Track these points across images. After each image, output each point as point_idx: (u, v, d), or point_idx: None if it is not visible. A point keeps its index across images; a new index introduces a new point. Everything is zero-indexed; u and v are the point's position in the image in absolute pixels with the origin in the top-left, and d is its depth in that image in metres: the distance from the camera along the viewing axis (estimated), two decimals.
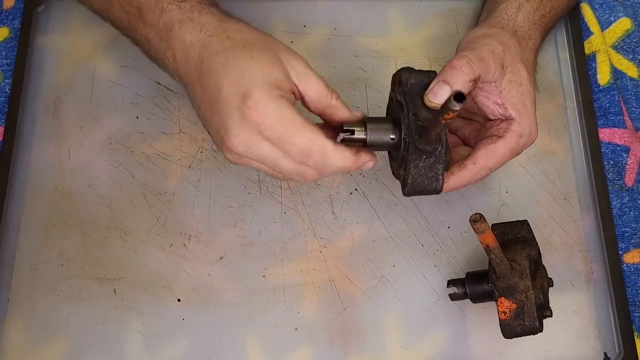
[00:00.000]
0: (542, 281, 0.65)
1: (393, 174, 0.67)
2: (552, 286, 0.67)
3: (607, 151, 0.77)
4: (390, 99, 0.65)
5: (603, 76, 0.80)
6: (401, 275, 0.72)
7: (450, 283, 0.69)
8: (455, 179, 0.65)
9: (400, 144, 0.61)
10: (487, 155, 0.64)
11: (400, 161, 0.63)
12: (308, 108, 0.62)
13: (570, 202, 0.76)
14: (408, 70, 0.62)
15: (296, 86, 0.60)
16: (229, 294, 0.71)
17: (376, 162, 0.62)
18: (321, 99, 0.60)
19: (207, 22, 0.62)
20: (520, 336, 0.64)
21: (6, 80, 0.78)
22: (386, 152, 0.69)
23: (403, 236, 0.74)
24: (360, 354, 0.70)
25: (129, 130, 0.77)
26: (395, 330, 0.71)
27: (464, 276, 0.69)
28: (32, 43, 0.80)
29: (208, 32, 0.61)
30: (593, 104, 0.79)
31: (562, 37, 0.84)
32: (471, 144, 0.70)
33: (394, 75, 0.64)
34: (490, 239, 0.60)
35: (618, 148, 0.77)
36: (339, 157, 0.58)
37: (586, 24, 0.82)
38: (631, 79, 0.81)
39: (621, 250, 0.74)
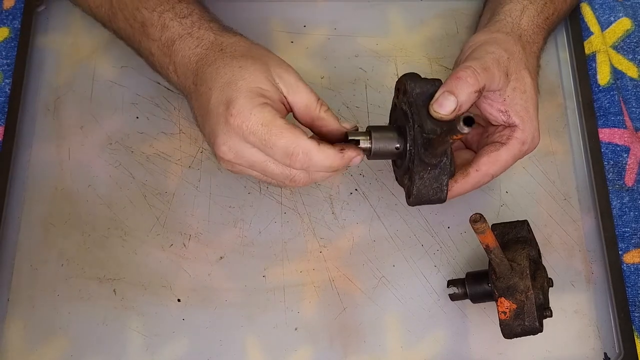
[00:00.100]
0: (542, 281, 0.65)
1: (396, 180, 0.67)
2: (552, 286, 0.67)
3: (607, 151, 0.77)
4: (394, 105, 0.65)
5: (603, 76, 0.80)
6: (401, 276, 0.72)
7: (450, 283, 0.69)
8: (458, 186, 0.65)
9: (405, 153, 0.61)
10: (489, 163, 0.64)
11: (404, 171, 0.63)
12: (298, 120, 0.63)
13: (570, 202, 0.76)
14: (412, 78, 0.62)
15: (285, 97, 0.61)
16: (229, 294, 0.71)
17: (363, 157, 0.62)
18: (309, 111, 0.61)
19: (205, 37, 0.65)
20: (520, 336, 0.64)
21: (6, 80, 0.78)
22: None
23: (403, 236, 0.74)
24: (360, 354, 0.70)
25: (129, 130, 0.77)
26: (395, 330, 0.71)
27: (464, 276, 0.69)
28: (32, 43, 0.80)
29: (204, 46, 0.64)
30: (593, 104, 0.79)
31: (562, 37, 0.84)
32: (473, 148, 0.70)
33: (398, 82, 0.63)
34: (490, 239, 0.60)
35: (618, 148, 0.77)
36: (322, 155, 0.58)
37: (586, 24, 0.82)
38: (631, 79, 0.81)
39: (621, 250, 0.74)
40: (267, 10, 0.83)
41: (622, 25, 0.82)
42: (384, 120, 0.69)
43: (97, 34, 0.80)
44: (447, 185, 0.61)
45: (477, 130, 0.70)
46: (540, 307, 0.63)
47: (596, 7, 0.83)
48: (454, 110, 0.60)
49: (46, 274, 0.71)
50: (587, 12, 0.83)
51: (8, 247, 0.72)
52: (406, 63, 0.81)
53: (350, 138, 0.61)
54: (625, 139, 0.77)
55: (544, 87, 0.80)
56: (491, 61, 0.63)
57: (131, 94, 0.78)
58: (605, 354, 0.70)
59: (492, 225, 0.67)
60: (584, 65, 0.81)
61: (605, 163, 0.77)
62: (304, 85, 0.62)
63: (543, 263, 0.67)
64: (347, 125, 0.62)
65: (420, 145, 0.59)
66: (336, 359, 0.69)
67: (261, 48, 0.65)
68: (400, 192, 0.69)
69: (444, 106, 0.60)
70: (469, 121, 0.50)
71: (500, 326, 0.64)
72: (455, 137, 0.54)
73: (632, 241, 0.74)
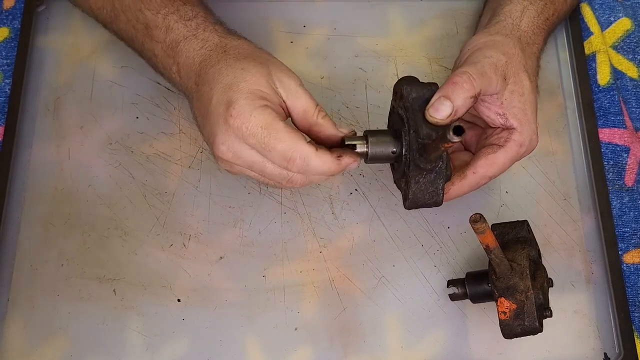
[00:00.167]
0: (542, 281, 0.65)
1: (395, 182, 0.67)
2: (552, 286, 0.67)
3: (607, 151, 0.77)
4: (392, 108, 0.65)
5: (603, 76, 0.80)
6: (401, 276, 0.72)
7: (450, 283, 0.69)
8: (455, 189, 0.65)
9: (401, 157, 0.62)
10: (487, 165, 0.64)
11: (401, 174, 0.63)
12: (295, 125, 0.63)
13: (570, 202, 0.76)
14: (409, 82, 0.62)
15: (284, 102, 0.62)
16: (229, 294, 0.71)
17: (360, 162, 0.62)
18: (307, 117, 0.62)
19: (209, 39, 0.65)
20: (520, 336, 0.64)
21: (6, 80, 0.78)
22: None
23: (403, 236, 0.74)
24: (360, 354, 0.70)
25: (129, 130, 0.77)
26: (395, 330, 0.71)
27: (464, 276, 0.69)
28: (32, 43, 0.80)
29: (208, 48, 0.64)
30: (593, 104, 0.79)
31: (562, 37, 0.84)
32: (472, 150, 0.70)
33: (395, 86, 0.63)
34: (490, 239, 0.60)
35: (618, 148, 0.77)
36: (319, 161, 0.59)
37: (586, 24, 0.82)
38: (631, 79, 0.81)
39: (621, 250, 0.74)
40: (267, 10, 0.83)
41: (622, 25, 0.82)
42: (384, 121, 0.69)
43: (97, 34, 0.80)
44: (442, 189, 0.62)
45: (475, 132, 0.70)
46: (540, 307, 0.63)
47: (596, 7, 0.83)
48: (450, 115, 0.60)
49: (46, 274, 0.71)
50: (587, 12, 0.83)
51: (8, 247, 0.72)
52: (406, 63, 0.81)
53: (347, 143, 0.62)
54: (625, 139, 0.77)
55: (544, 87, 0.80)
56: (488, 66, 0.63)
57: (131, 94, 0.78)
58: (605, 354, 0.70)
59: (492, 226, 0.67)
60: (583, 65, 0.81)
61: (605, 163, 0.77)
62: (303, 91, 0.62)
63: (543, 263, 0.67)
64: (344, 130, 0.62)
65: (415, 150, 0.60)
66: (336, 359, 0.69)
67: (264, 52, 0.65)
68: (400, 193, 0.69)
69: (440, 111, 0.60)
70: (458, 130, 0.51)
71: (500, 326, 0.64)
72: (446, 145, 0.54)
73: (632, 241, 0.74)
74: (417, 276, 0.72)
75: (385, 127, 0.68)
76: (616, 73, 0.80)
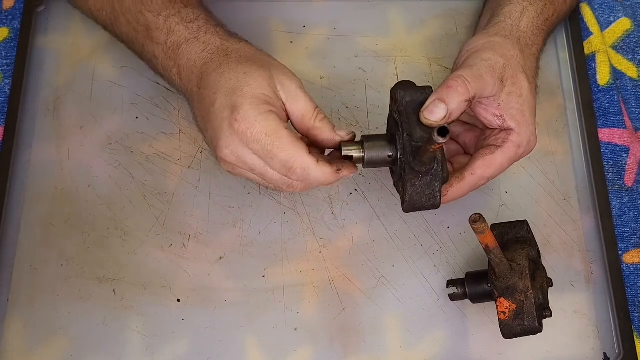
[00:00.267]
0: (541, 281, 0.65)
1: (394, 185, 0.67)
2: (551, 286, 0.67)
3: (606, 151, 0.77)
4: (390, 113, 0.65)
5: (603, 76, 0.80)
6: (401, 276, 0.72)
7: (450, 283, 0.69)
8: (454, 190, 0.65)
9: (397, 161, 0.62)
10: (485, 166, 0.64)
11: (398, 177, 0.64)
12: (294, 127, 0.64)
13: (570, 202, 0.76)
14: (403, 87, 0.62)
15: (284, 105, 0.62)
16: (228, 294, 0.71)
17: (357, 170, 0.64)
18: (305, 121, 0.62)
19: (211, 42, 0.65)
20: (519, 336, 0.64)
21: (6, 80, 0.78)
22: None
23: (403, 236, 0.74)
24: (360, 354, 0.70)
25: (128, 130, 0.77)
26: (395, 330, 0.71)
27: (463, 276, 0.69)
28: (32, 43, 0.80)
29: (210, 51, 0.65)
30: (593, 104, 0.79)
31: (561, 37, 0.84)
32: (471, 153, 0.70)
33: (391, 91, 0.64)
34: (490, 239, 0.60)
35: (618, 148, 0.77)
36: (319, 173, 0.60)
37: (586, 24, 0.82)
38: (631, 79, 0.81)
39: (621, 250, 0.74)
40: (267, 10, 0.83)
41: (622, 25, 0.82)
42: (383, 121, 0.69)
43: (97, 35, 0.80)
44: (439, 191, 0.62)
45: (474, 134, 0.70)
46: (539, 307, 0.63)
47: (596, 7, 0.83)
48: (444, 117, 0.60)
49: (46, 274, 0.71)
50: (586, 12, 0.83)
51: (8, 247, 0.72)
52: (406, 63, 0.81)
53: (343, 149, 0.62)
54: (625, 139, 0.77)
55: (544, 87, 0.80)
56: (484, 69, 0.63)
57: (131, 94, 0.78)
58: (604, 354, 0.71)
59: (491, 226, 0.67)
60: (583, 65, 0.81)
61: (605, 163, 0.77)
62: (303, 94, 0.62)
63: (543, 263, 0.68)
64: (341, 134, 0.63)
65: (409, 153, 0.60)
66: (336, 359, 0.69)
67: (265, 55, 0.66)
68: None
69: (434, 113, 0.60)
70: (442, 132, 0.52)
71: (499, 326, 0.64)
72: (433, 146, 0.55)
73: (632, 241, 0.74)
74: (417, 276, 0.72)
75: (385, 128, 0.68)
76: (616, 73, 0.80)
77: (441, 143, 0.53)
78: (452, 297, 0.69)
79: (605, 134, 0.78)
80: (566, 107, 0.80)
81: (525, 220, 0.68)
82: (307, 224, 0.74)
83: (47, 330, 0.69)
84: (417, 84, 0.63)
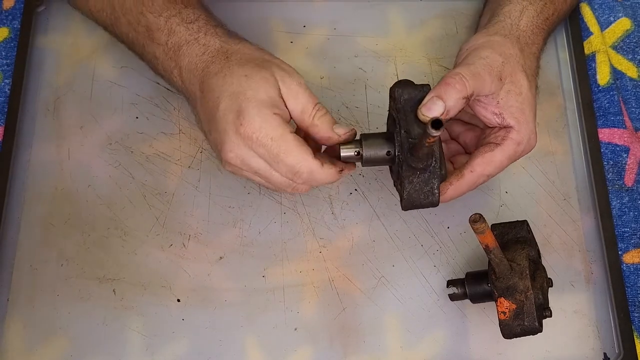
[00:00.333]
0: (541, 281, 0.65)
1: (394, 185, 0.67)
2: (551, 286, 0.67)
3: (606, 151, 0.77)
4: (389, 112, 0.66)
5: (603, 76, 0.80)
6: (401, 276, 0.72)
7: (450, 283, 0.69)
8: (453, 188, 0.65)
9: (395, 159, 0.62)
10: (484, 163, 0.64)
11: (397, 175, 0.64)
12: (296, 124, 0.64)
13: (570, 202, 0.76)
14: (401, 85, 0.63)
15: (284, 102, 0.62)
16: (228, 294, 0.71)
17: (355, 168, 0.65)
18: (304, 117, 0.63)
19: (210, 44, 0.66)
20: (519, 336, 0.64)
21: (6, 80, 0.78)
22: None
23: (403, 236, 0.74)
24: (360, 354, 0.70)
25: (128, 130, 0.77)
26: (395, 330, 0.71)
27: (463, 276, 0.69)
28: (32, 43, 0.80)
29: (210, 54, 0.65)
30: (593, 104, 0.79)
31: (561, 37, 0.84)
32: (472, 152, 0.70)
33: (390, 90, 0.64)
34: (490, 239, 0.60)
35: (618, 148, 0.77)
36: (324, 174, 0.62)
37: (586, 24, 0.82)
38: (631, 79, 0.81)
39: (621, 250, 0.74)
40: (267, 11, 0.83)
41: (622, 25, 0.82)
42: (383, 121, 0.69)
43: (97, 35, 0.80)
44: (438, 188, 0.62)
45: (474, 134, 0.70)
46: (539, 307, 0.63)
47: (596, 7, 0.83)
48: (442, 114, 0.60)
49: (46, 274, 0.71)
50: (586, 12, 0.83)
51: (8, 247, 0.72)
52: (406, 63, 0.81)
53: (341, 148, 0.63)
54: (625, 139, 0.77)
55: (544, 87, 0.80)
56: (482, 67, 0.63)
57: (131, 94, 0.78)
58: (604, 354, 0.71)
59: (491, 226, 0.67)
60: (583, 65, 0.81)
61: (605, 163, 0.77)
62: (303, 90, 0.62)
63: (543, 263, 0.68)
64: (340, 132, 0.63)
65: (407, 150, 0.61)
66: (336, 359, 0.69)
67: (265, 53, 0.66)
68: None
69: (432, 110, 0.60)
70: (436, 124, 0.52)
71: (499, 326, 0.64)
72: (428, 140, 0.55)
73: (632, 241, 0.74)
74: (417, 276, 0.72)
75: (385, 128, 0.68)
76: (616, 73, 0.80)
77: (435, 136, 0.53)
78: (452, 297, 0.69)
79: (605, 134, 0.78)
80: (566, 107, 0.80)
81: (525, 220, 0.68)
82: (307, 224, 0.74)
83: (47, 330, 0.69)
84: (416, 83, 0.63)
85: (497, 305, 0.63)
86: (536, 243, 0.68)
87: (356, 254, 0.73)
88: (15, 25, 0.80)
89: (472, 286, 0.67)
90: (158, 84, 0.78)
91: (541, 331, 0.63)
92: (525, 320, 0.63)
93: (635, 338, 0.71)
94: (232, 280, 0.72)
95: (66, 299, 0.70)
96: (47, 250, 0.72)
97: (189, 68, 0.66)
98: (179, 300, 0.71)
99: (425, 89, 0.62)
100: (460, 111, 0.63)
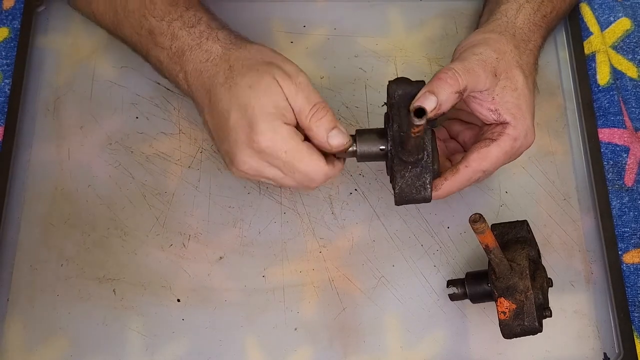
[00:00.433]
0: (541, 281, 0.65)
1: (390, 182, 0.68)
2: (551, 286, 0.67)
3: (606, 151, 0.77)
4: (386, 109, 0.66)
5: (603, 76, 0.80)
6: (401, 276, 0.72)
7: (450, 283, 0.69)
8: (449, 183, 0.65)
9: (389, 154, 0.63)
10: (479, 159, 0.64)
11: (390, 171, 0.64)
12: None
13: (570, 202, 0.76)
14: (397, 82, 0.63)
15: (290, 105, 0.63)
16: (228, 294, 0.71)
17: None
18: (301, 119, 0.63)
19: (213, 50, 0.66)
20: (519, 336, 0.64)
21: (6, 81, 0.78)
22: None
23: (403, 236, 0.74)
24: (360, 354, 0.70)
25: (128, 130, 0.77)
26: (395, 330, 0.71)
27: (463, 276, 0.69)
28: (32, 43, 0.80)
29: (213, 61, 0.65)
30: (593, 104, 0.79)
31: (561, 37, 0.84)
32: None
33: (387, 87, 0.64)
34: (490, 239, 0.60)
35: (618, 148, 0.77)
36: (335, 172, 0.64)
37: (586, 24, 0.82)
38: (631, 79, 0.81)
39: (621, 250, 0.74)
40: (267, 11, 0.83)
41: (622, 25, 0.82)
42: (383, 121, 0.69)
43: (97, 35, 0.80)
44: (430, 183, 0.62)
45: (473, 132, 0.70)
46: (539, 307, 0.63)
47: (596, 7, 0.83)
48: (434, 109, 0.61)
49: (46, 274, 0.71)
50: (586, 12, 0.83)
51: (8, 247, 0.72)
52: (406, 63, 0.81)
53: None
54: (625, 139, 0.77)
55: (544, 87, 0.80)
56: (476, 62, 0.64)
57: (131, 94, 0.78)
58: (604, 354, 0.71)
59: (491, 226, 0.67)
60: (583, 65, 0.81)
61: (605, 163, 0.77)
62: (302, 92, 0.62)
63: (543, 263, 0.68)
64: (333, 143, 0.62)
65: (398, 143, 0.61)
66: (336, 359, 0.69)
67: (266, 53, 0.65)
68: None
69: (424, 105, 0.60)
70: (418, 112, 0.54)
71: (499, 326, 0.64)
72: (413, 130, 0.56)
73: (632, 241, 0.74)
74: (417, 276, 0.72)
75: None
76: (616, 73, 0.80)
77: (419, 125, 0.54)
78: (452, 297, 0.69)
79: (605, 134, 0.78)
80: (566, 107, 0.80)
81: (525, 220, 0.68)
82: (307, 224, 0.74)
83: (47, 330, 0.69)
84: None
85: (497, 305, 0.63)
86: (536, 243, 0.68)
87: (356, 254, 0.73)
88: (15, 25, 0.80)
89: (472, 286, 0.67)
90: (158, 83, 0.78)
91: (541, 331, 0.63)
92: (525, 320, 0.63)
93: (635, 338, 0.71)
94: (232, 280, 0.72)
95: (66, 299, 0.70)
96: (47, 250, 0.72)
97: (194, 75, 0.66)
98: (179, 300, 0.71)
99: (419, 85, 0.63)
100: (454, 106, 0.63)
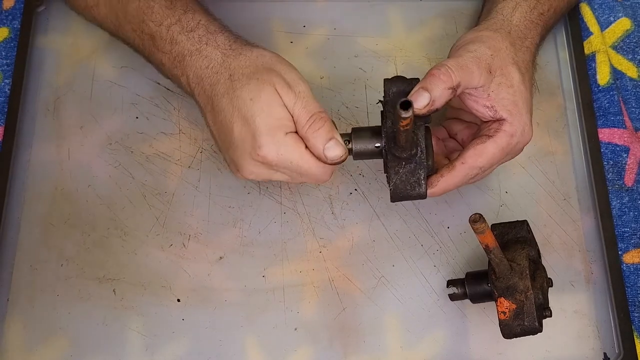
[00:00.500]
0: (541, 281, 0.65)
1: (387, 181, 0.68)
2: (551, 286, 0.67)
3: (606, 151, 0.77)
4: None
5: (603, 76, 0.80)
6: (401, 276, 0.72)
7: (450, 283, 0.69)
8: (445, 180, 0.65)
9: (384, 151, 0.63)
10: (475, 155, 0.64)
11: (385, 168, 0.64)
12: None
13: (570, 202, 0.76)
14: (391, 80, 0.64)
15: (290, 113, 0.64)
16: (228, 294, 0.71)
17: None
18: (299, 129, 0.63)
19: (213, 57, 0.66)
20: (519, 336, 0.64)
21: (6, 81, 0.78)
22: None
23: (403, 236, 0.74)
24: (360, 354, 0.70)
25: (128, 130, 0.77)
26: (395, 330, 0.71)
27: (463, 276, 0.69)
28: (32, 43, 0.80)
29: (214, 69, 0.66)
30: (593, 104, 0.79)
31: (561, 37, 0.84)
32: None
33: (383, 85, 0.64)
34: (490, 239, 0.60)
35: (618, 148, 0.77)
36: (338, 166, 0.65)
37: (586, 24, 0.82)
38: (631, 79, 0.81)
39: (621, 250, 0.74)
40: (267, 11, 0.83)
41: (622, 25, 0.82)
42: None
43: (97, 34, 0.80)
44: (425, 179, 0.62)
45: (472, 131, 0.70)
46: (539, 307, 0.63)
47: (596, 7, 0.83)
48: (427, 105, 0.61)
49: (46, 274, 0.71)
50: (586, 12, 0.83)
51: (8, 247, 0.72)
52: (406, 63, 0.81)
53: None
54: (625, 139, 0.77)
55: (544, 87, 0.80)
56: (470, 59, 0.64)
57: (131, 94, 0.78)
58: (604, 354, 0.71)
59: (491, 226, 0.67)
60: (583, 65, 0.81)
61: (605, 163, 0.77)
62: (300, 102, 0.63)
63: (542, 263, 0.68)
64: (329, 155, 0.62)
65: (391, 139, 0.61)
66: (336, 359, 0.69)
67: (266, 58, 0.65)
68: None
69: (417, 101, 0.61)
70: (404, 105, 0.54)
71: (499, 326, 0.64)
72: (401, 123, 0.56)
73: (632, 241, 0.74)
74: (417, 276, 0.72)
75: None
76: (616, 73, 0.80)
77: (405, 117, 0.54)
78: (452, 297, 0.69)
79: (605, 134, 0.78)
80: (566, 107, 0.80)
81: (525, 220, 0.68)
82: (307, 224, 0.74)
83: (47, 330, 0.69)
84: None
85: (497, 305, 0.63)
86: (536, 243, 0.68)
87: (356, 254, 0.73)
88: (15, 25, 0.80)
89: (472, 286, 0.67)
90: (158, 83, 0.78)
91: (541, 331, 0.63)
92: (525, 320, 0.63)
93: (635, 338, 0.71)
94: (232, 280, 0.72)
95: (66, 299, 0.70)
96: (47, 250, 0.72)
97: (195, 80, 0.67)
98: (179, 300, 0.71)
99: (413, 82, 0.63)
100: (448, 102, 0.63)
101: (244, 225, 0.74)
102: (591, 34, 0.82)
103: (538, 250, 0.68)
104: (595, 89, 0.80)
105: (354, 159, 0.65)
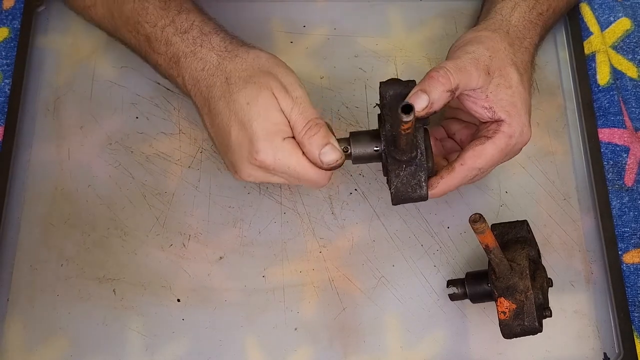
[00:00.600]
0: (541, 281, 0.65)
1: (387, 183, 0.68)
2: (551, 286, 0.67)
3: (606, 151, 0.77)
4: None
5: (603, 76, 0.80)
6: (401, 276, 0.72)
7: (450, 283, 0.69)
8: (444, 182, 0.65)
9: (383, 154, 0.63)
10: (474, 156, 0.64)
11: (385, 171, 0.64)
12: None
13: (570, 202, 0.76)
14: (388, 83, 0.63)
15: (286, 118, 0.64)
16: (228, 294, 0.71)
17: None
18: (295, 134, 0.63)
19: (208, 59, 0.66)
20: (519, 336, 0.64)
21: (6, 81, 0.78)
22: None
23: (403, 236, 0.74)
24: (360, 354, 0.70)
25: (128, 130, 0.77)
26: (395, 330, 0.71)
27: (463, 276, 0.69)
28: (32, 43, 0.80)
29: (210, 71, 0.66)
30: (593, 104, 0.79)
31: (561, 37, 0.84)
32: None
33: (379, 89, 0.64)
34: (490, 239, 0.60)
35: (618, 148, 0.77)
36: (335, 170, 0.65)
37: (586, 24, 0.82)
38: (631, 79, 0.81)
39: (621, 250, 0.74)
40: (267, 11, 0.83)
41: (622, 25, 0.82)
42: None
43: (97, 34, 0.80)
44: (425, 181, 0.62)
45: (470, 131, 0.70)
46: (539, 307, 0.63)
47: (596, 7, 0.83)
48: (426, 107, 0.61)
49: (46, 274, 0.71)
50: (586, 12, 0.83)
51: (8, 247, 0.72)
52: (406, 63, 0.81)
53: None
54: (625, 139, 0.77)
55: (544, 87, 0.80)
56: (468, 61, 0.64)
57: (131, 94, 0.78)
58: (604, 354, 0.71)
59: (491, 225, 0.67)
60: (583, 65, 0.81)
61: (605, 163, 0.77)
62: (297, 108, 0.63)
63: (543, 263, 0.68)
64: (325, 160, 0.62)
65: (391, 143, 0.61)
66: (336, 359, 0.69)
67: (263, 60, 0.65)
68: None
69: (416, 103, 0.61)
70: (405, 109, 0.54)
71: (499, 326, 0.64)
72: (402, 127, 0.56)
73: (632, 241, 0.74)
74: (417, 276, 0.72)
75: None
76: (616, 73, 0.80)
77: (407, 121, 0.54)
78: (452, 297, 0.69)
79: (605, 134, 0.78)
80: (566, 107, 0.80)
81: (525, 220, 0.68)
82: (307, 224, 0.74)
83: (47, 330, 0.69)
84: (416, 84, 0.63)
85: (497, 305, 0.63)
86: (536, 243, 0.68)
87: (356, 254, 0.73)
88: (15, 25, 0.80)
89: (472, 286, 0.67)
90: (158, 83, 0.78)
91: (541, 331, 0.63)
92: (525, 320, 0.63)
93: (635, 338, 0.71)
94: (232, 280, 0.72)
95: (66, 299, 0.70)
96: (47, 250, 0.72)
97: (192, 82, 0.67)
98: (179, 300, 0.71)
99: (410, 85, 0.63)
100: (446, 104, 0.63)
101: (244, 225, 0.74)
102: (591, 34, 0.82)
103: (538, 250, 0.68)
104: (595, 89, 0.80)
105: (353, 163, 0.65)
